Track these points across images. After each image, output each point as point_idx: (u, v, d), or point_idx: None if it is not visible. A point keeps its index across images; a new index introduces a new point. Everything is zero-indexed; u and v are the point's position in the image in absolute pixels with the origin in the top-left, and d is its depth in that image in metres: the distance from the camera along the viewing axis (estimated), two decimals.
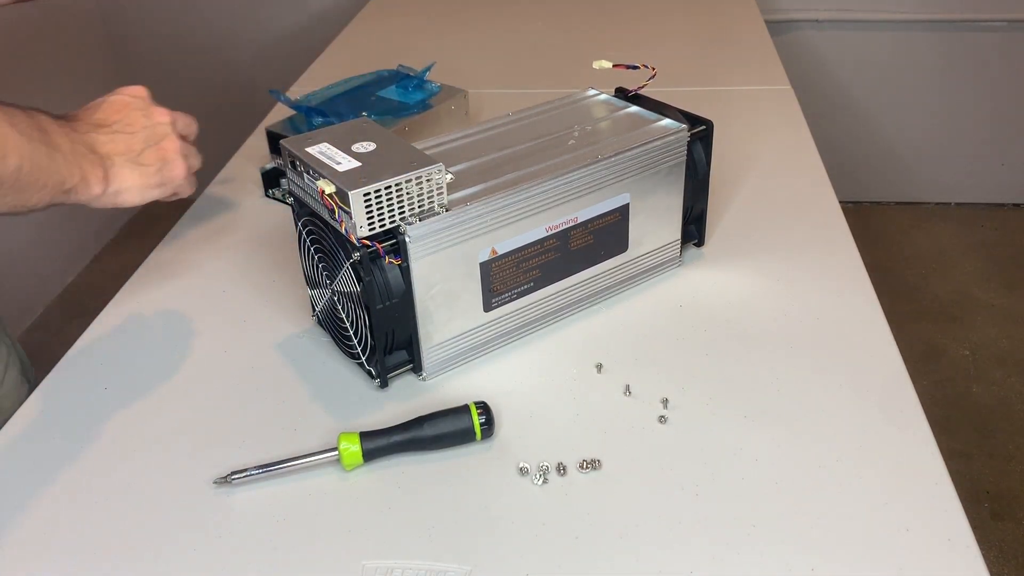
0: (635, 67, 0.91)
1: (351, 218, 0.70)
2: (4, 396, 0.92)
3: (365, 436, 0.71)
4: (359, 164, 0.73)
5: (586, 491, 0.68)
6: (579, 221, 0.83)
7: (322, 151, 0.75)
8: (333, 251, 0.75)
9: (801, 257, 0.96)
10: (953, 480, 0.67)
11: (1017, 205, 2.67)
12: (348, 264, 0.74)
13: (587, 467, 0.70)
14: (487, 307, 0.81)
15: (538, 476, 0.70)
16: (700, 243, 0.97)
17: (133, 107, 0.79)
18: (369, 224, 0.71)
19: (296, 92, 1.47)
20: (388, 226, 0.72)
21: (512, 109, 0.93)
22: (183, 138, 0.82)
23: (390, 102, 1.17)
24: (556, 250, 0.83)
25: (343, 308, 0.79)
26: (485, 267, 0.79)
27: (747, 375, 0.79)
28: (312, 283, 0.84)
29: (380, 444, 0.71)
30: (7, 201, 0.67)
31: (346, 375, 0.82)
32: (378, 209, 0.71)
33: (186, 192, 0.82)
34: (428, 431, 0.72)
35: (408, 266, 0.74)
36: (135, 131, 0.77)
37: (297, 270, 0.89)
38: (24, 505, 0.70)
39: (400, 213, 0.72)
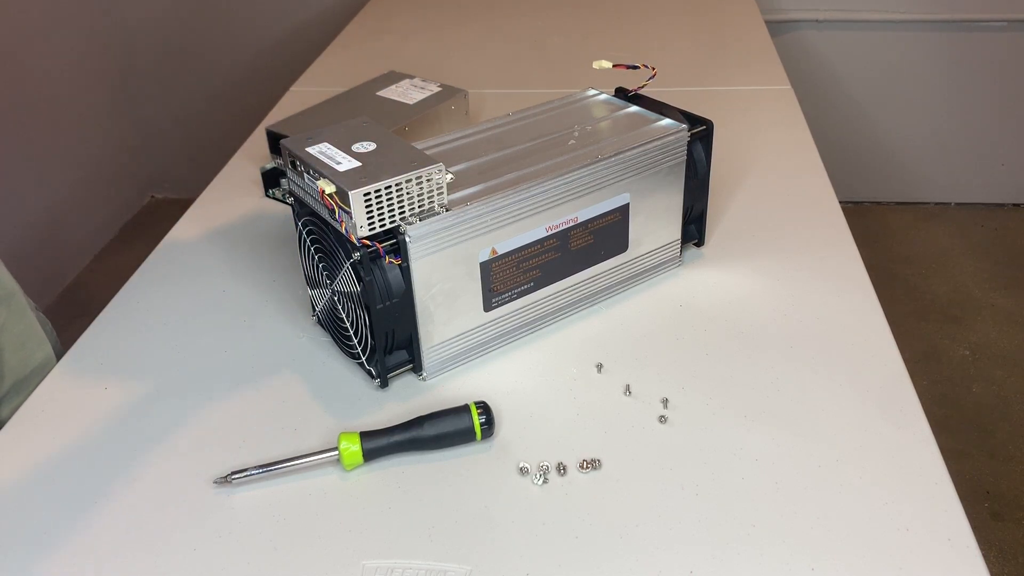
0: (635, 67, 0.91)
1: (351, 218, 0.70)
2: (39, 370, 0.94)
3: (365, 436, 0.71)
4: (359, 164, 0.73)
5: (586, 491, 0.68)
6: (579, 221, 0.83)
7: (322, 151, 0.75)
8: (333, 251, 0.75)
9: (801, 257, 0.95)
10: (953, 480, 0.67)
11: (1017, 205, 2.66)
12: (348, 264, 0.74)
13: (587, 467, 0.70)
14: (487, 307, 0.81)
15: (538, 476, 0.70)
16: (700, 243, 0.97)
17: None
18: (369, 224, 0.71)
19: (296, 92, 1.47)
20: (388, 226, 0.72)
21: (512, 109, 0.93)
22: None
23: None
24: (556, 250, 0.83)
25: (343, 308, 0.79)
26: (485, 267, 0.79)
27: (747, 375, 0.79)
28: (312, 283, 0.84)
29: (380, 444, 0.71)
30: None
31: (346, 375, 0.82)
32: (378, 209, 0.71)
33: None
34: (428, 431, 0.72)
35: (408, 266, 0.74)
36: None
37: (297, 270, 0.89)
38: (25, 505, 0.70)
39: (400, 213, 0.72)
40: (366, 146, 0.76)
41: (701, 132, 0.89)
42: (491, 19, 1.79)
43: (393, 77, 1.25)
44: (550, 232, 0.81)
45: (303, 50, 1.98)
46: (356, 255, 0.72)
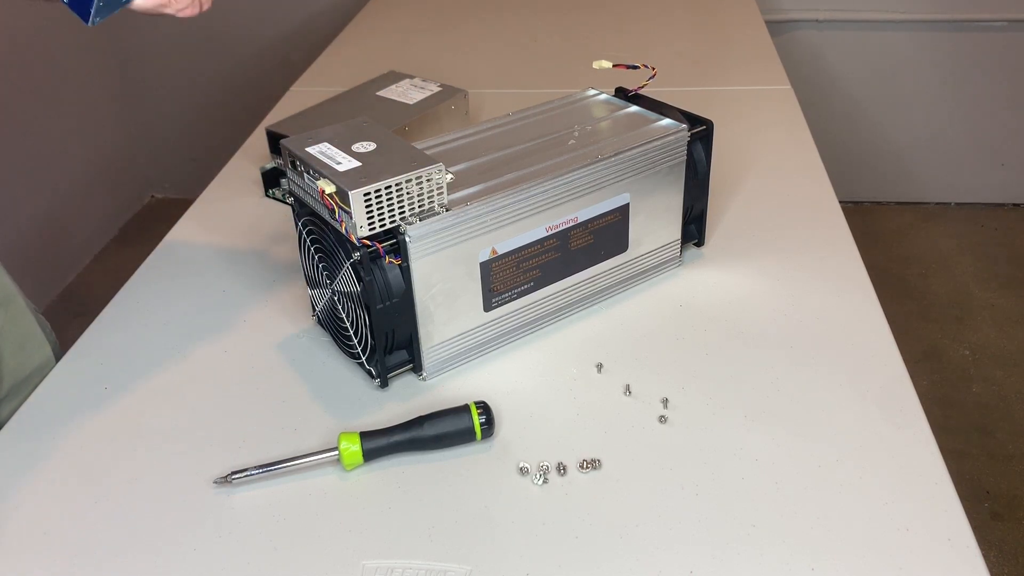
0: (635, 67, 0.91)
1: (351, 218, 0.70)
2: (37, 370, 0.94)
3: (365, 436, 0.71)
4: (359, 164, 0.73)
5: (586, 491, 0.68)
6: (579, 221, 0.83)
7: (322, 151, 0.75)
8: (333, 251, 0.75)
9: (801, 257, 0.95)
10: (953, 480, 0.67)
11: (1017, 205, 2.66)
12: (348, 264, 0.74)
13: (587, 467, 0.70)
14: (487, 307, 0.81)
15: (538, 476, 0.70)
16: (700, 243, 0.97)
17: None
18: (369, 224, 0.71)
19: (296, 92, 1.47)
20: (388, 226, 0.72)
21: (512, 109, 0.93)
22: None
23: None
24: (556, 250, 0.83)
25: (343, 308, 0.79)
26: (485, 267, 0.79)
27: (747, 375, 0.79)
28: (312, 283, 0.84)
29: (380, 444, 0.71)
30: None
31: (346, 375, 0.82)
32: (378, 209, 0.71)
33: (184, 12, 0.81)
34: (428, 431, 0.72)
35: (408, 266, 0.74)
36: None
37: (297, 270, 0.89)
38: (24, 504, 0.70)
39: (400, 213, 0.72)
40: (366, 146, 0.76)
41: (701, 132, 0.89)
42: (491, 19, 1.79)
43: (393, 77, 1.25)
44: (550, 232, 0.81)
45: (303, 50, 1.98)
46: (356, 255, 0.72)
